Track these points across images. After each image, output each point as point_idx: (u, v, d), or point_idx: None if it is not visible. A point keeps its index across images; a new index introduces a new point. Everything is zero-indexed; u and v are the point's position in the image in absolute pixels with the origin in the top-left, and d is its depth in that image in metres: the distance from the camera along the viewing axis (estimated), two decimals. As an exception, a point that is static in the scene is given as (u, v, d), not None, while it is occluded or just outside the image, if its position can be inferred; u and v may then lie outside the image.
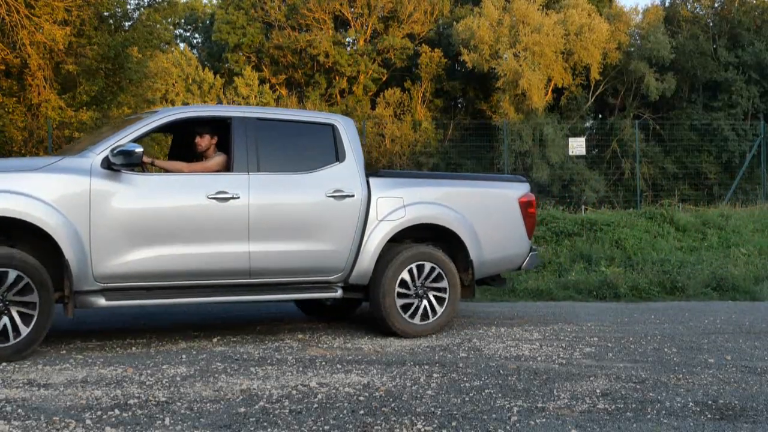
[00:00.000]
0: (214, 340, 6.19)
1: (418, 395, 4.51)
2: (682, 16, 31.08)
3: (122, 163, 5.54)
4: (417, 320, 6.49)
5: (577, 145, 20.11)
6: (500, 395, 4.53)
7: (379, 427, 3.87)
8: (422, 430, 3.85)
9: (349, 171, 6.43)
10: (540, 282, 10.37)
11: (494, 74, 27.30)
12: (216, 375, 4.94)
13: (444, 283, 6.57)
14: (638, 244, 12.59)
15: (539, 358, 5.63)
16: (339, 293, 6.34)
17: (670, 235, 13.37)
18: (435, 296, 6.57)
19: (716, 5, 31.49)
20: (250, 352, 5.73)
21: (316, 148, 6.46)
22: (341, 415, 4.07)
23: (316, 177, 6.30)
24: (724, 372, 5.26)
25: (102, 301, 5.52)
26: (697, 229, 13.84)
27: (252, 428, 3.85)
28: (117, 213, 5.55)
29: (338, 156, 6.47)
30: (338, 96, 30.47)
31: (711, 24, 31.07)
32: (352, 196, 6.34)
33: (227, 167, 6.14)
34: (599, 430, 3.91)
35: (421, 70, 29.63)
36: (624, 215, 14.42)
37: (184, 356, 5.53)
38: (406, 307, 6.45)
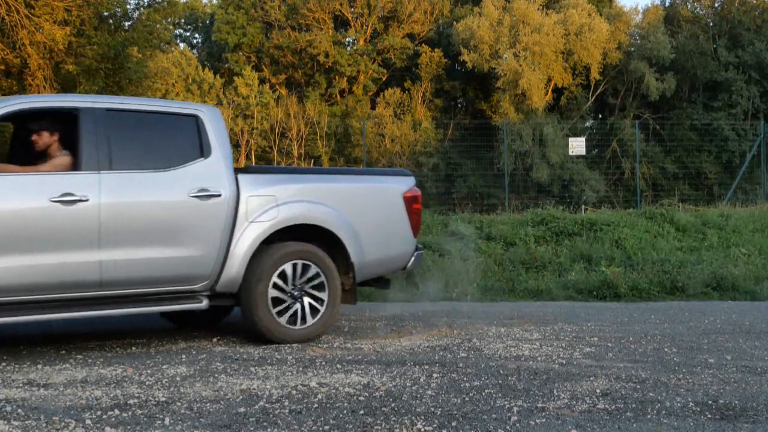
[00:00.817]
0: (214, 340, 6.19)
1: (418, 395, 4.50)
2: (682, 16, 31.08)
3: None
4: (293, 324, 5.99)
5: (577, 145, 20.14)
6: (500, 395, 4.52)
7: (379, 427, 3.87)
8: (422, 430, 3.85)
9: (215, 167, 5.83)
10: (540, 282, 10.37)
11: (494, 74, 27.30)
12: (216, 375, 4.94)
13: (322, 283, 6.08)
14: (638, 244, 12.59)
15: (539, 358, 5.63)
16: (204, 304, 5.77)
17: (670, 235, 13.38)
18: (312, 299, 6.08)
19: (716, 5, 31.48)
20: (250, 352, 5.73)
21: (177, 143, 5.84)
22: (341, 415, 4.07)
23: (177, 175, 5.69)
24: (724, 372, 5.26)
25: None
26: (697, 229, 13.85)
27: (252, 428, 3.85)
28: None
29: (203, 151, 5.86)
30: (338, 96, 30.47)
31: (711, 24, 31.06)
32: (219, 195, 5.77)
33: (72, 170, 5.45)
34: (599, 430, 3.91)
35: (421, 70, 29.62)
36: (624, 215, 14.44)
37: (184, 356, 5.52)
38: (280, 311, 5.95)
